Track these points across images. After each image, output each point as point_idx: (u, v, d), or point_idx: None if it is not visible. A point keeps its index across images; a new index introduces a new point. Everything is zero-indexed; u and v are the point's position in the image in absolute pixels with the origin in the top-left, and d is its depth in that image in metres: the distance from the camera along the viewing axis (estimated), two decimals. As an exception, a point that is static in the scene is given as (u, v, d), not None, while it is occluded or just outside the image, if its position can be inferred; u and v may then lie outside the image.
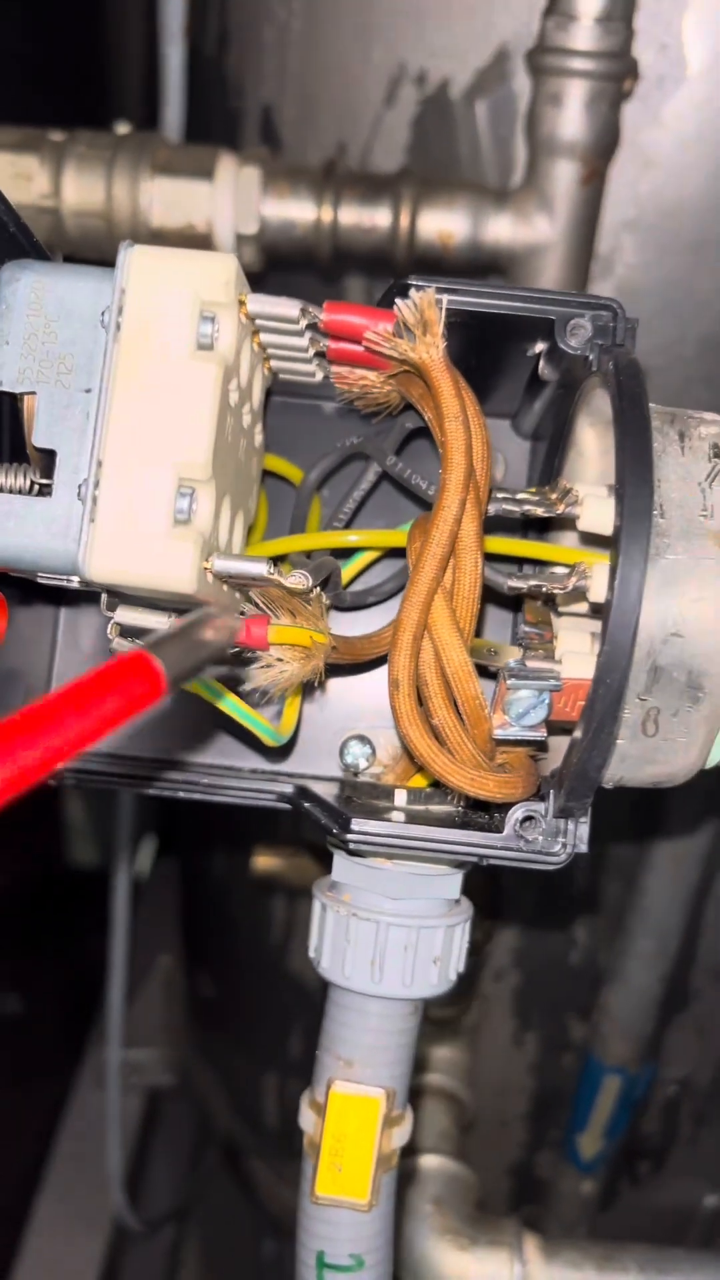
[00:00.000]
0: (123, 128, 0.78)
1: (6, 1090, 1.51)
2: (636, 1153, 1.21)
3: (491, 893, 1.00)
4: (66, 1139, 1.56)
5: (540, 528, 0.56)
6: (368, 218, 0.75)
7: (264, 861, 1.00)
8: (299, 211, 0.75)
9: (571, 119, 0.72)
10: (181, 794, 0.54)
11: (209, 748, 0.56)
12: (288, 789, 0.54)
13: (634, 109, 0.78)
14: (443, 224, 0.75)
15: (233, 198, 0.74)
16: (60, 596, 0.58)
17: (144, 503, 0.40)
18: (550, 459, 0.54)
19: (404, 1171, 0.99)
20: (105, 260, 0.43)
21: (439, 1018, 1.06)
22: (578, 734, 0.42)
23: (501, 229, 0.75)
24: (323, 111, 0.91)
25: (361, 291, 0.91)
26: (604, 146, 0.74)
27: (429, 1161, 0.99)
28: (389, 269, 0.80)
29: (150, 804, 1.78)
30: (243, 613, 0.48)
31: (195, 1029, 1.56)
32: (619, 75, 0.71)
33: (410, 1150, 1.01)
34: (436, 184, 0.76)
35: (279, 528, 0.56)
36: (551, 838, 0.45)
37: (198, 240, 0.76)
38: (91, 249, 0.76)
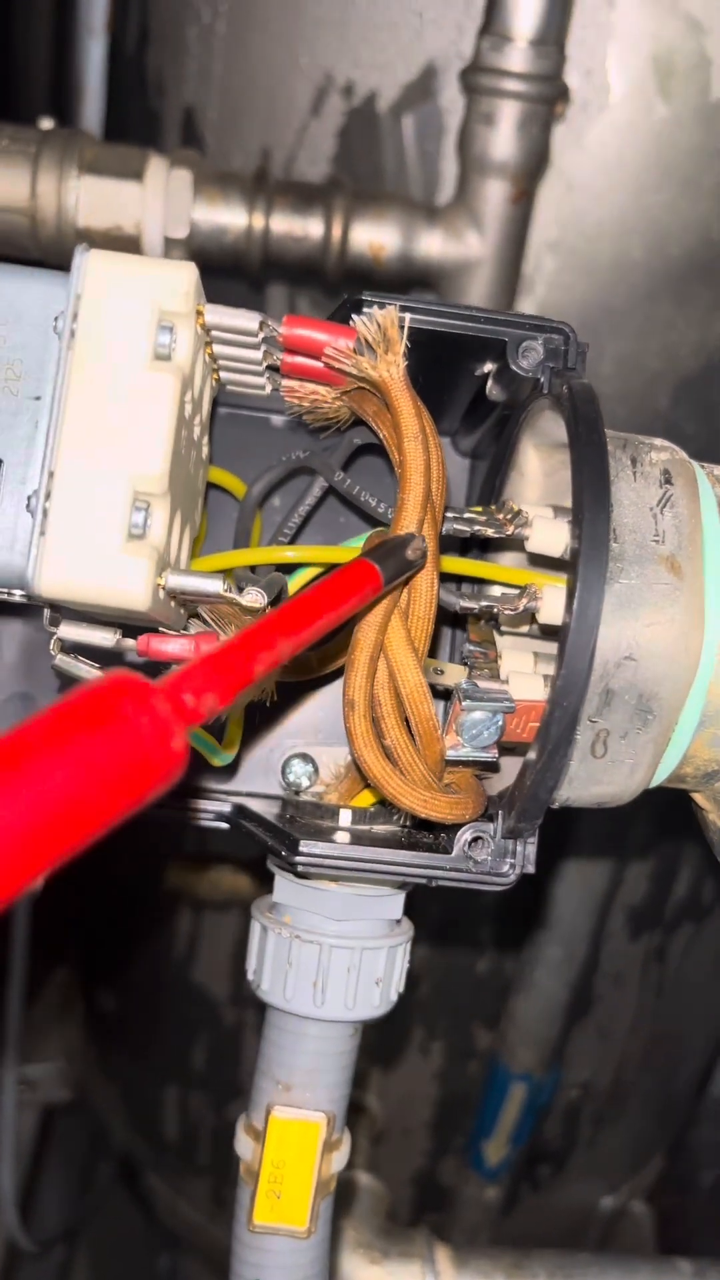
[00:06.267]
0: (46, 123, 0.76)
1: None
2: (538, 1157, 1.23)
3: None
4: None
5: (481, 547, 0.56)
6: (300, 227, 0.75)
7: (176, 875, 0.98)
8: (230, 218, 0.74)
9: (503, 139, 0.73)
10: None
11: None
12: (225, 808, 0.53)
13: (558, 133, 0.80)
14: (374, 236, 0.75)
15: (163, 201, 0.73)
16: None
17: (97, 516, 0.38)
18: (491, 479, 0.54)
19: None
20: (26, 259, 0.42)
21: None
22: (531, 756, 0.42)
23: (433, 244, 0.75)
24: (247, 117, 0.90)
25: (284, 300, 0.91)
26: (534, 168, 0.75)
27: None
28: (317, 279, 0.80)
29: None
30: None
31: (93, 1043, 1.52)
32: (551, 98, 0.72)
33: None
34: (369, 196, 0.76)
35: (216, 540, 0.55)
36: (500, 858, 0.45)
37: (125, 242, 0.74)
38: (12, 246, 0.73)
